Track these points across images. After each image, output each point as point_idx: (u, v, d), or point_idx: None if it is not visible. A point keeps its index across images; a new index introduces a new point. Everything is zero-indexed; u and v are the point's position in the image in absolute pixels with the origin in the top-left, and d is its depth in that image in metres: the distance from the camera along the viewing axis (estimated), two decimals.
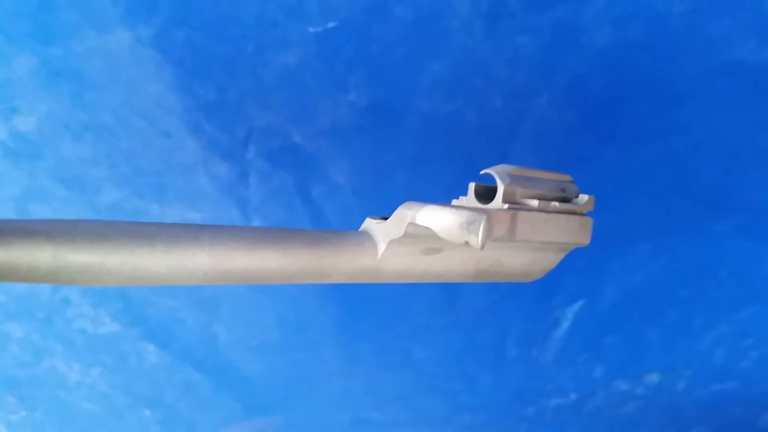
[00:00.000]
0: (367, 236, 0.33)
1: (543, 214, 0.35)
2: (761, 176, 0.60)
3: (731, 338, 0.71)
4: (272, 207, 0.57)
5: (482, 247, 0.30)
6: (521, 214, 0.34)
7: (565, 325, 0.69)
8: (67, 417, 0.67)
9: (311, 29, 0.48)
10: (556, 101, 0.54)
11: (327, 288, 0.64)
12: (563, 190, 0.37)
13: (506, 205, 0.34)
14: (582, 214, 0.37)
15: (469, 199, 0.37)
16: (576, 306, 0.68)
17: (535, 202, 0.35)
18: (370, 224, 0.34)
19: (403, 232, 0.32)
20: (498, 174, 0.35)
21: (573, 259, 0.66)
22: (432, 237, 0.32)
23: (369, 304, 0.66)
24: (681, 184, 0.60)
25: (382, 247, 0.33)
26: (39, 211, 0.55)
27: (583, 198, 0.37)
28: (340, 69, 0.50)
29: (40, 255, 0.25)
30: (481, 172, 0.36)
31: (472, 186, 0.37)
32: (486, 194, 0.37)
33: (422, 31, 0.49)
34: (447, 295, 0.66)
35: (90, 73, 0.49)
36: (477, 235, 0.29)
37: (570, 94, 0.54)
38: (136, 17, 0.47)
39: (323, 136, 0.53)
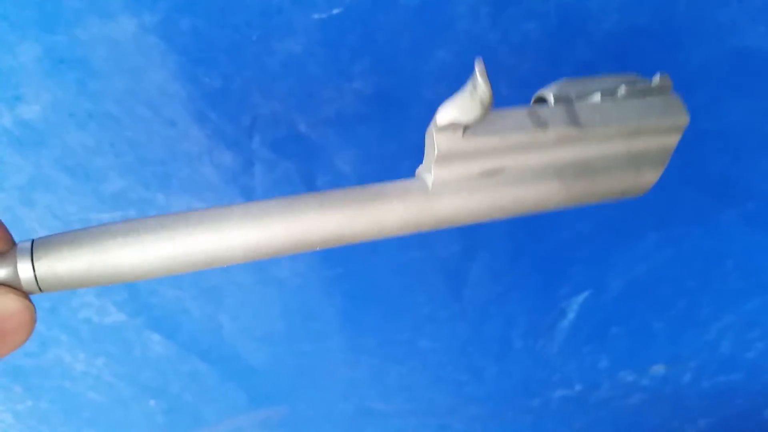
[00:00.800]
0: (414, 178, 0.30)
1: (609, 102, 0.30)
2: None
3: (737, 329, 0.70)
4: (277, 196, 0.57)
5: (485, 87, 0.25)
6: (579, 105, 0.30)
7: (571, 316, 0.68)
8: (72, 407, 0.67)
9: (316, 16, 0.48)
10: None
11: (333, 278, 0.64)
12: (630, 81, 0.32)
13: (562, 106, 0.30)
14: (662, 94, 0.31)
15: None
16: (582, 297, 0.67)
17: (598, 96, 0.31)
18: (420, 171, 0.30)
19: (435, 148, 0.28)
20: (547, 89, 0.31)
21: (579, 250, 0.66)
22: (479, 151, 0.28)
23: (374, 295, 0.66)
24: (687, 173, 0.60)
25: (429, 181, 0.29)
26: (44, 200, 0.55)
27: (655, 79, 0.31)
28: (345, 56, 0.50)
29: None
30: (534, 98, 0.32)
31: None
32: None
33: (428, 18, 0.48)
34: (452, 285, 0.66)
35: (94, 61, 0.49)
36: (478, 81, 0.25)
37: None
38: (140, 5, 0.47)
39: (328, 124, 0.53)
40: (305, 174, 0.56)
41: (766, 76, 0.54)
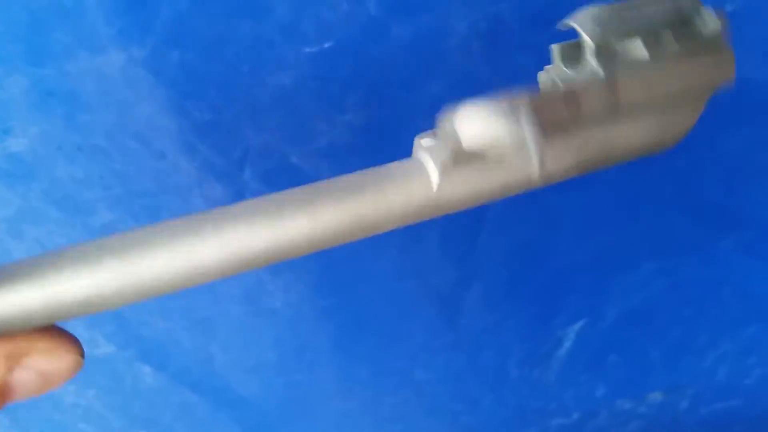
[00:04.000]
0: (416, 164, 0.26)
1: (654, 69, 0.26)
2: (765, 194, 0.59)
3: (734, 356, 0.70)
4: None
5: (540, 167, 0.23)
6: (622, 80, 0.25)
7: (567, 344, 0.68)
8: None
9: (307, 49, 0.48)
10: None
11: (325, 308, 0.63)
12: (681, 17, 0.26)
13: (601, 70, 0.25)
14: (714, 46, 0.27)
15: (556, 67, 0.28)
16: (578, 325, 0.67)
17: (641, 50, 0.26)
18: (418, 146, 0.27)
19: (449, 153, 0.25)
20: (580, 24, 0.26)
21: (574, 278, 0.66)
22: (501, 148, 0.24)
23: (368, 325, 0.65)
24: (684, 202, 0.60)
25: (434, 174, 0.26)
26: (32, 233, 0.54)
27: (708, 20, 0.26)
28: (337, 89, 0.50)
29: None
30: (561, 26, 0.27)
31: (555, 50, 0.28)
32: (575, 55, 0.27)
33: (419, 52, 0.48)
34: (447, 314, 0.65)
35: (83, 94, 0.48)
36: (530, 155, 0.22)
37: None
38: (129, 38, 0.46)
39: (320, 156, 0.53)
40: None
41: (763, 106, 0.54)
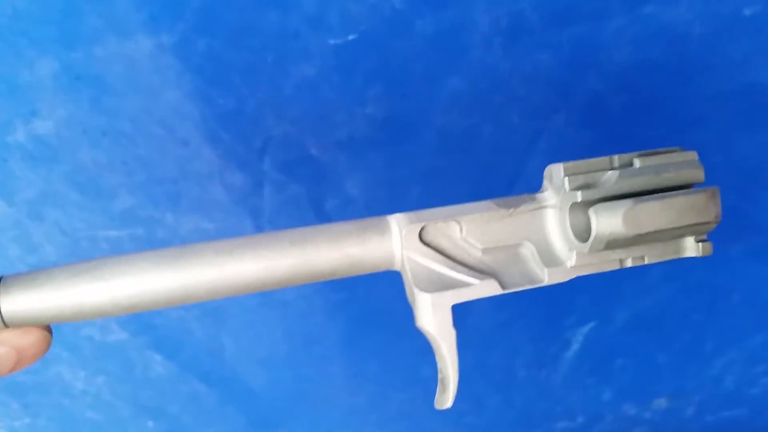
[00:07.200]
0: (384, 251, 0.29)
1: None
2: None
3: (742, 364, 0.70)
4: (285, 218, 0.57)
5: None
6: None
7: (576, 346, 0.68)
8: (70, 425, 0.66)
9: (332, 41, 0.48)
10: (574, 119, 0.54)
11: (337, 302, 0.64)
12: None
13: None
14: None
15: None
16: (587, 328, 0.67)
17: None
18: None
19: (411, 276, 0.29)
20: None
21: (584, 281, 0.66)
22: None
23: (378, 321, 0.65)
24: None
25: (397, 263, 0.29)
26: (52, 215, 0.55)
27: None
28: (359, 81, 0.50)
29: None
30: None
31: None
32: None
33: (442, 46, 0.49)
34: (456, 313, 0.66)
35: (110, 79, 0.49)
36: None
37: (588, 113, 0.54)
38: (159, 24, 0.47)
39: (339, 148, 0.53)
40: (314, 196, 0.56)
41: None
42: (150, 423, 0.68)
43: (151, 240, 0.56)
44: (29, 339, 0.28)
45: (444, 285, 0.29)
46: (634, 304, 0.66)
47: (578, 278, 0.64)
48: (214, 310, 0.63)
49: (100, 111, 0.50)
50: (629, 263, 0.30)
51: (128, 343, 0.63)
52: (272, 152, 0.53)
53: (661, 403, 0.72)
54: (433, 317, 0.29)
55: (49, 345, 0.29)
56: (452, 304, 0.29)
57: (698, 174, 0.29)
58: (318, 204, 0.56)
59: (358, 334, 0.66)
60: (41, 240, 0.56)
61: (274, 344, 0.65)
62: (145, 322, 0.62)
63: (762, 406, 0.73)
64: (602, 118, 0.55)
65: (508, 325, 0.67)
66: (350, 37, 0.49)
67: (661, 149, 0.30)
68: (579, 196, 0.28)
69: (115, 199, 0.54)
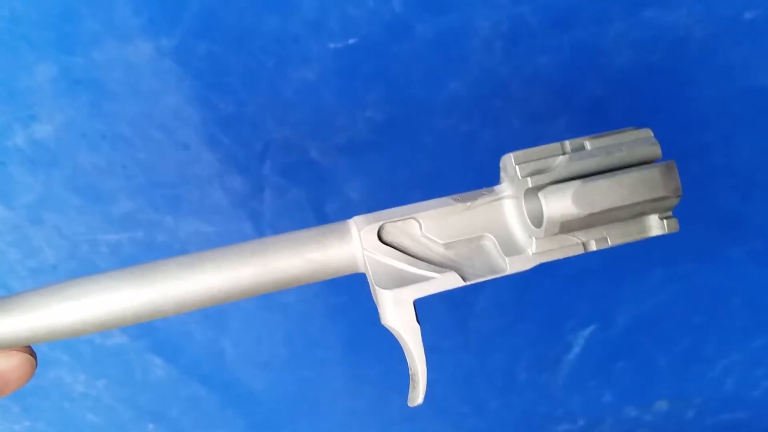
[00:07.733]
0: (346, 253, 0.30)
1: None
2: None
3: (743, 367, 0.70)
4: (285, 222, 0.57)
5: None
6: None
7: (577, 349, 0.68)
8: (70, 429, 0.66)
9: (332, 45, 0.48)
10: (575, 123, 0.54)
11: (338, 305, 0.64)
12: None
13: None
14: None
15: None
16: (588, 330, 0.67)
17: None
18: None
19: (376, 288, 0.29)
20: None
21: (585, 284, 0.66)
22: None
23: (379, 324, 0.65)
24: (697, 209, 0.60)
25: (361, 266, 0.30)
26: (52, 219, 0.55)
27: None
28: (359, 85, 0.50)
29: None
30: None
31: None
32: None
33: (442, 50, 0.49)
34: (457, 316, 0.66)
35: (109, 83, 0.49)
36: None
37: (588, 117, 0.54)
38: (158, 28, 0.47)
39: (339, 152, 0.53)
40: (314, 200, 0.56)
41: None
42: (150, 426, 0.68)
43: (151, 244, 0.56)
44: (11, 363, 0.28)
45: (405, 281, 0.29)
46: (634, 307, 0.66)
47: (579, 281, 0.64)
48: (215, 313, 0.63)
49: (99, 115, 0.50)
50: (593, 246, 0.29)
51: (128, 347, 0.63)
52: (272, 156, 0.53)
53: (661, 405, 0.72)
54: (396, 313, 0.29)
55: (33, 368, 0.29)
56: (414, 298, 0.29)
57: (654, 150, 0.29)
58: (318, 208, 0.56)
59: (358, 337, 0.66)
60: (41, 244, 0.56)
61: (275, 347, 0.65)
62: (146, 326, 0.62)
63: (763, 408, 0.72)
64: (603, 122, 0.55)
65: (509, 328, 0.67)
66: (350, 41, 0.48)
67: (613, 130, 0.30)
68: (530, 182, 0.27)
69: (114, 203, 0.54)
